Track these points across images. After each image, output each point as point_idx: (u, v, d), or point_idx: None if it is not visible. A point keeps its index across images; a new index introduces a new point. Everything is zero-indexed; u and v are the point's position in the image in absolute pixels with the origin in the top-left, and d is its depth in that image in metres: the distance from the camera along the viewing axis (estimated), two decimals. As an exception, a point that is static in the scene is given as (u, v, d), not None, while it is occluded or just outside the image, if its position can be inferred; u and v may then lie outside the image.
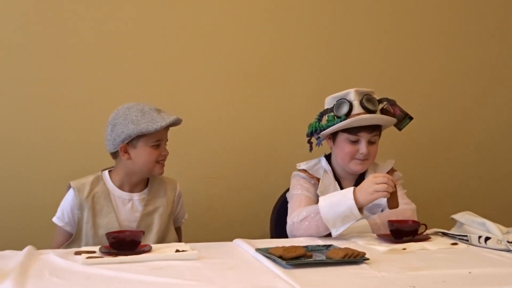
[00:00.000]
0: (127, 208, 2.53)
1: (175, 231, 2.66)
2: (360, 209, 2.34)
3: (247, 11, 3.28)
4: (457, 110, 3.57)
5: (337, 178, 2.70)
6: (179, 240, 2.67)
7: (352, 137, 2.61)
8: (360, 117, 2.57)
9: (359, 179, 2.68)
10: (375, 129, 2.63)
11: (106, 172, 2.58)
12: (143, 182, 2.59)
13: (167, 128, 2.51)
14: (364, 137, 2.60)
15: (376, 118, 2.61)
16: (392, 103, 2.68)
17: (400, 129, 2.71)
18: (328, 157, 2.75)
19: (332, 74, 3.36)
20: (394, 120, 2.66)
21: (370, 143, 2.62)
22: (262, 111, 3.31)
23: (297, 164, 2.74)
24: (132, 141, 2.46)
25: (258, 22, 3.30)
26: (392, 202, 2.34)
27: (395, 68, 3.46)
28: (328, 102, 2.69)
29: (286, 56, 3.34)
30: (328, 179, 2.68)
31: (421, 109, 3.43)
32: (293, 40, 3.34)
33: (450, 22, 3.55)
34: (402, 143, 3.34)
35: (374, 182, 2.34)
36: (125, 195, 2.54)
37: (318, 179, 2.67)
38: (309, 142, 2.73)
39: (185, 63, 3.21)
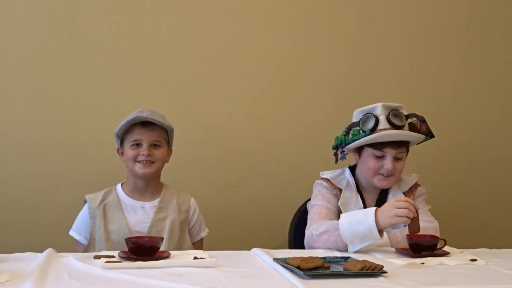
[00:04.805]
0: (138, 215, 2.60)
1: (194, 246, 2.67)
2: (380, 231, 2.32)
3: (270, 19, 3.28)
4: (481, 123, 3.52)
5: (359, 190, 2.67)
6: None
7: (377, 153, 2.58)
8: (385, 133, 2.54)
9: (381, 193, 2.67)
10: (402, 145, 2.59)
11: (119, 184, 2.68)
12: (153, 191, 2.65)
13: (148, 129, 2.56)
14: (389, 153, 2.57)
15: (401, 134, 2.57)
16: (421, 119, 2.64)
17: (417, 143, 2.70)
18: (352, 169, 2.72)
19: (354, 83, 3.35)
20: (421, 137, 2.62)
21: (396, 159, 2.58)
22: (283, 120, 3.31)
23: (320, 173, 2.72)
24: (122, 143, 2.63)
25: (281, 30, 3.30)
26: (413, 227, 2.33)
27: (417, 79, 3.43)
28: (356, 116, 2.67)
29: (308, 64, 3.33)
30: (350, 191, 2.66)
31: (444, 122, 3.40)
32: (316, 48, 3.34)
33: (480, 35, 3.51)
34: (424, 156, 3.31)
35: (396, 206, 2.33)
36: (136, 203, 2.62)
37: (341, 190, 2.65)
38: (335, 154, 2.70)
39: (207, 72, 3.22)
